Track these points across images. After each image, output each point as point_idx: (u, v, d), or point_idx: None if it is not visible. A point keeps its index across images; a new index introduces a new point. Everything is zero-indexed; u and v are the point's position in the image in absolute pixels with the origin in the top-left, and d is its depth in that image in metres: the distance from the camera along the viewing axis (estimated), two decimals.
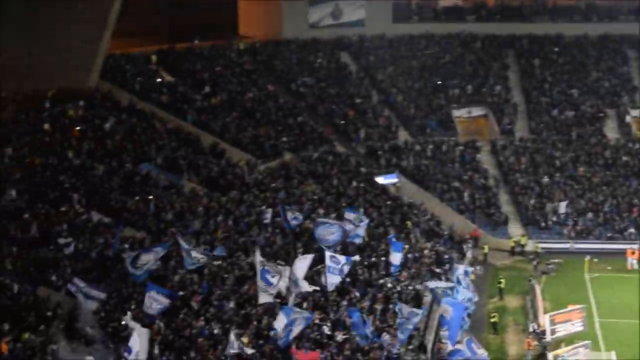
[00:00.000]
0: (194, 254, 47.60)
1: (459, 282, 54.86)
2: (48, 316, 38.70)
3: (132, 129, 68.09)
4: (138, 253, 45.78)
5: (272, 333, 42.84)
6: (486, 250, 72.28)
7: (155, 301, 42.33)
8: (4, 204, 46.86)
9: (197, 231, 55.31)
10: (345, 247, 56.16)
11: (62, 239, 46.74)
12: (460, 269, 57.36)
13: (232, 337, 39.71)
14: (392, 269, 55.08)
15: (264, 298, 44.86)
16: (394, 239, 57.78)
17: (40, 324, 37.33)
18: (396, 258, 55.73)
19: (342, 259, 49.77)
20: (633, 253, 68.77)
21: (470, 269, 60.97)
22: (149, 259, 45.70)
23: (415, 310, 47.45)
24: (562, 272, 66.79)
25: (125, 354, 36.45)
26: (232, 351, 39.52)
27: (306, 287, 46.61)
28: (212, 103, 79.57)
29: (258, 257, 45.12)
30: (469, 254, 70.19)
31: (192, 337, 41.69)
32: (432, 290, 52.27)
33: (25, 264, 42.41)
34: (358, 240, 57.33)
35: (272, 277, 44.52)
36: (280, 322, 42.48)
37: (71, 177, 55.23)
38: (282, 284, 44.95)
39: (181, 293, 45.83)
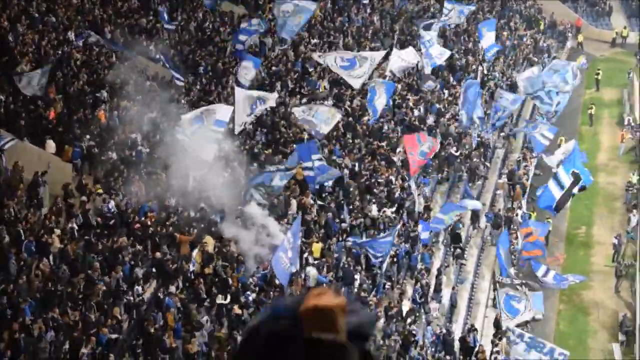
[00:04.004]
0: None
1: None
2: (146, 87, 39.27)
3: None
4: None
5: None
6: (580, 39, 70.23)
7: (246, 69, 42.33)
8: None
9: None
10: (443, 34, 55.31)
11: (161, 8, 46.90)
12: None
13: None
14: (487, 57, 53.97)
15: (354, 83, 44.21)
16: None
17: (138, 94, 37.93)
18: (489, 39, 53.38)
19: (440, 49, 49.22)
20: None
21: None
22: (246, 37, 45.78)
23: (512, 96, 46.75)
24: None
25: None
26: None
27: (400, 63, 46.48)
28: None
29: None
30: (568, 44, 68.89)
31: (285, 115, 42.17)
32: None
33: (123, 33, 42.71)
34: None
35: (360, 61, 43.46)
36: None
37: None
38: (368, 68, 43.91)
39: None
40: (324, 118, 38.84)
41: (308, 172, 35.32)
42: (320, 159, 35.38)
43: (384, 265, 34.61)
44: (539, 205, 40.12)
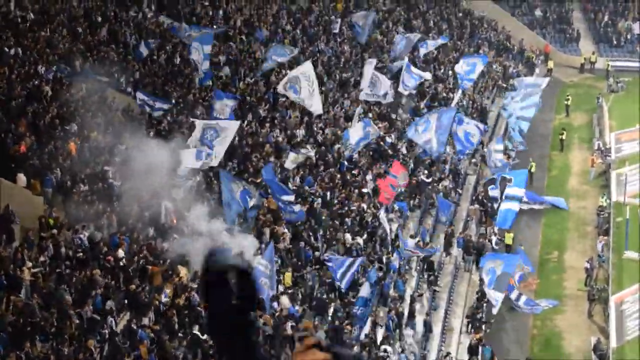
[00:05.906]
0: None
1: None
2: (115, 118, 39.19)
3: None
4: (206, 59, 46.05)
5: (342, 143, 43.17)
6: (550, 65, 70.86)
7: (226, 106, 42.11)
8: (73, 4, 46.91)
9: (265, 40, 54.83)
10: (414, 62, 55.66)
11: (130, 41, 46.87)
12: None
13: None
14: (460, 86, 54.13)
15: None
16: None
17: (108, 127, 37.80)
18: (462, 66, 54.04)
19: (417, 72, 49.36)
20: None
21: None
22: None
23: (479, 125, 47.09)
24: (631, 91, 65.47)
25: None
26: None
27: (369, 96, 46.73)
28: None
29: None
30: (537, 70, 69.42)
31: (256, 144, 42.17)
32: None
33: (93, 65, 42.68)
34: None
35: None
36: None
37: None
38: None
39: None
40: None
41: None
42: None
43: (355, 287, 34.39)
44: (498, 225, 40.72)
